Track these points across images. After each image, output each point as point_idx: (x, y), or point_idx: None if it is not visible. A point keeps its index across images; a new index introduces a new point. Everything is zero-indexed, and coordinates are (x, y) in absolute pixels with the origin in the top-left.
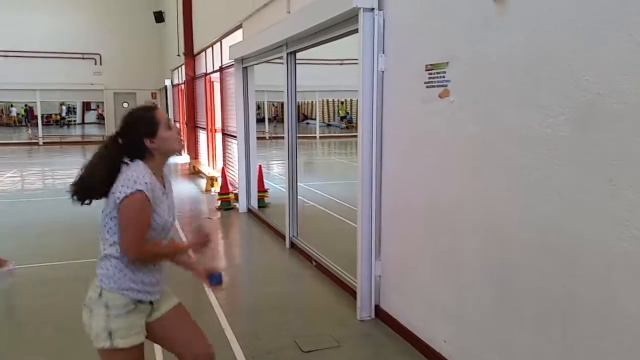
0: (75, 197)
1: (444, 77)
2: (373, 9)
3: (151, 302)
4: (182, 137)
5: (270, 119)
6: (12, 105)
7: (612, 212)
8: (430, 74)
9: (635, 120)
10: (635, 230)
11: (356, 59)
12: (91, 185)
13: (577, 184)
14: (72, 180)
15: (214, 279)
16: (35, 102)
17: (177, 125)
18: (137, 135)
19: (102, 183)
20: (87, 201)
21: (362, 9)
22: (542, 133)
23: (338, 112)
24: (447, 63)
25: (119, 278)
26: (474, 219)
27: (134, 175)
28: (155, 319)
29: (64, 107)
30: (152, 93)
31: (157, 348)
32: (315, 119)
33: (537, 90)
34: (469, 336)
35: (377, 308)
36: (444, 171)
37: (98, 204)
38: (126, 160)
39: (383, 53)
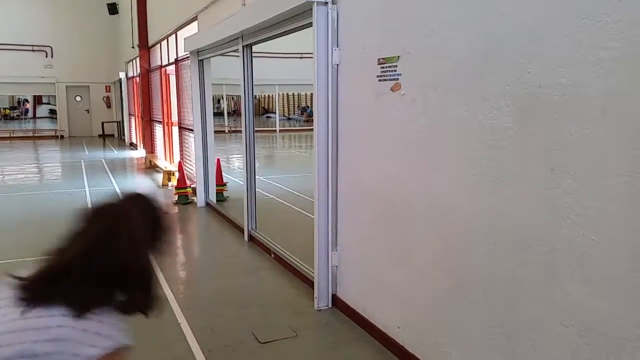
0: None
1: (395, 70)
2: (327, 2)
3: None
4: None
5: (230, 112)
6: None
7: (554, 199)
8: (383, 67)
9: (573, 111)
10: (575, 216)
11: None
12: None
13: (521, 173)
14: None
15: None
16: None
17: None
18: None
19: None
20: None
21: (315, 3)
22: (487, 124)
23: (298, 106)
24: (399, 57)
25: None
26: (426, 208)
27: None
28: None
29: (21, 99)
30: (106, 86)
31: None
32: (275, 113)
33: (482, 83)
34: (421, 321)
35: (334, 297)
36: (397, 162)
37: (51, 200)
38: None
39: (337, 47)
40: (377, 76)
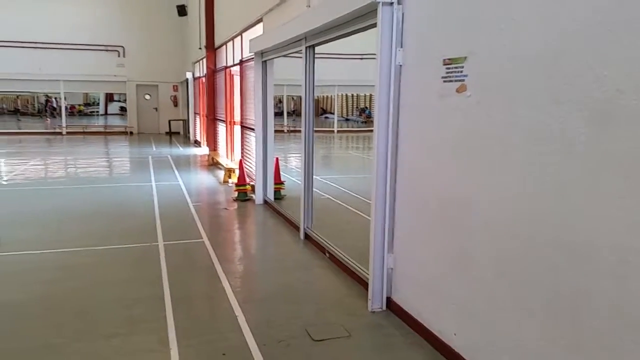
0: None
1: (461, 71)
2: (392, 3)
3: None
4: None
5: (290, 112)
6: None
7: (627, 209)
8: (448, 68)
9: None
10: None
11: (376, 54)
12: None
13: (591, 182)
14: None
15: None
16: (59, 93)
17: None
18: None
19: None
20: None
21: (381, 3)
22: (558, 129)
23: (356, 107)
24: (465, 58)
25: None
26: (487, 215)
27: None
28: None
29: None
30: (173, 86)
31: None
32: (333, 113)
33: (554, 86)
34: (478, 329)
35: (389, 300)
36: (459, 166)
37: (119, 192)
38: None
39: (401, 47)
40: (442, 77)
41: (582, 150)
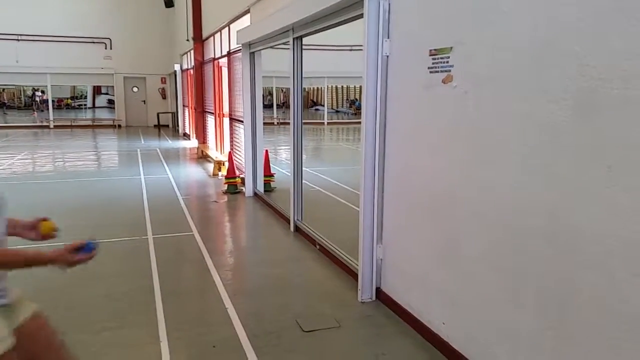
0: None
1: (447, 62)
2: None
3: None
4: None
5: (279, 104)
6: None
7: (610, 198)
8: (434, 59)
9: (635, 107)
10: (631, 216)
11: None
12: None
13: (577, 171)
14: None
15: (88, 247)
16: (46, 86)
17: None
18: None
19: None
20: None
21: None
22: (544, 119)
23: (346, 99)
24: (452, 48)
25: None
26: (475, 204)
27: None
28: (17, 325)
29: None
30: (161, 78)
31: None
32: (323, 105)
33: (540, 75)
34: (467, 319)
35: (378, 290)
36: (447, 156)
37: (108, 186)
38: None
39: (388, 38)
40: (428, 67)
41: (568, 140)
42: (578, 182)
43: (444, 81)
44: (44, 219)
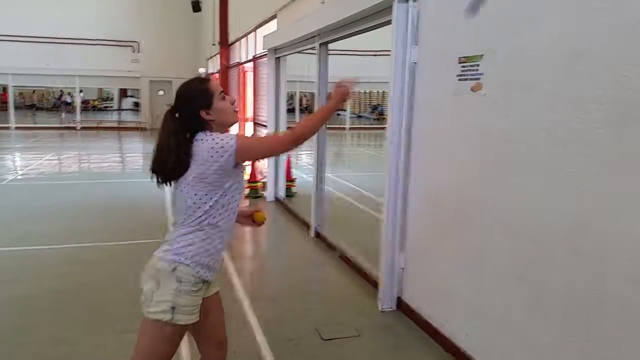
0: (158, 180)
1: (477, 70)
2: (408, 0)
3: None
4: (237, 108)
5: (302, 109)
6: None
7: None
8: (464, 66)
9: None
10: None
11: (389, 51)
12: (171, 166)
13: (609, 183)
14: (150, 164)
15: None
16: (75, 88)
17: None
18: (193, 107)
19: (180, 161)
20: (169, 183)
21: (396, 0)
22: (576, 129)
23: (369, 104)
24: (482, 56)
25: (203, 252)
26: (502, 215)
27: (215, 136)
28: (204, 297)
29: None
30: None
31: None
32: (345, 110)
33: (572, 85)
34: (490, 331)
35: (399, 300)
36: (474, 165)
37: (132, 188)
38: (187, 135)
39: (416, 45)
40: (457, 75)
41: (599, 151)
42: (608, 194)
43: (473, 89)
44: (258, 210)
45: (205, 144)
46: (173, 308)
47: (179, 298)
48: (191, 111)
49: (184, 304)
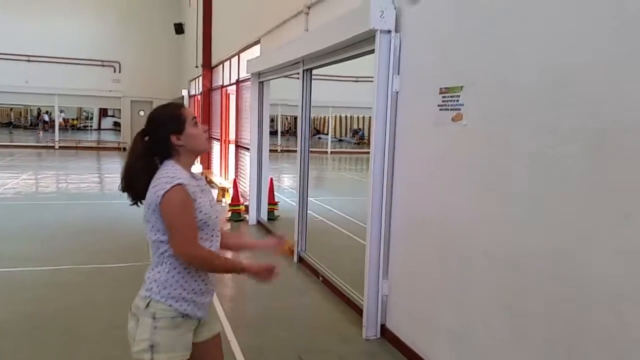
0: (129, 199)
1: (457, 100)
2: (390, 31)
3: (199, 320)
4: (208, 135)
5: (283, 132)
6: (45, 112)
7: (626, 244)
8: (444, 97)
9: None
10: None
11: (371, 77)
12: (133, 187)
13: (588, 212)
14: (120, 184)
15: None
16: (54, 107)
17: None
18: (163, 131)
19: (145, 187)
20: (139, 203)
21: (379, 31)
22: (555, 159)
23: (350, 128)
24: (462, 87)
25: (170, 284)
26: (484, 243)
27: (169, 172)
28: (198, 341)
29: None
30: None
31: None
32: (327, 134)
33: (551, 116)
34: (475, 359)
35: (383, 327)
36: (456, 193)
37: (111, 209)
38: (156, 160)
39: (398, 74)
40: (438, 105)
41: (578, 181)
42: (588, 224)
43: (453, 119)
44: (286, 240)
45: (156, 176)
46: (152, 347)
47: (156, 336)
48: (161, 135)
49: (162, 342)
